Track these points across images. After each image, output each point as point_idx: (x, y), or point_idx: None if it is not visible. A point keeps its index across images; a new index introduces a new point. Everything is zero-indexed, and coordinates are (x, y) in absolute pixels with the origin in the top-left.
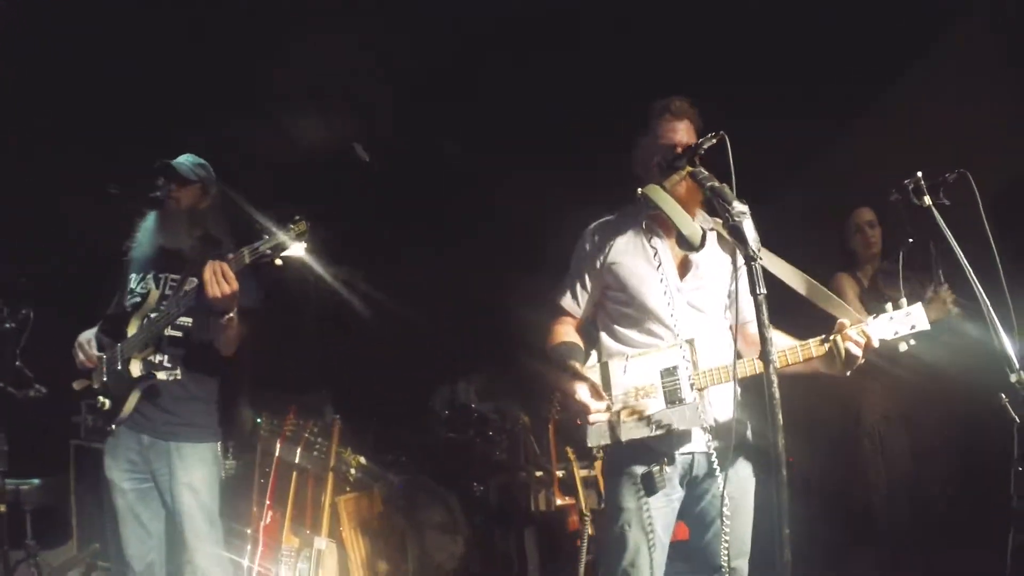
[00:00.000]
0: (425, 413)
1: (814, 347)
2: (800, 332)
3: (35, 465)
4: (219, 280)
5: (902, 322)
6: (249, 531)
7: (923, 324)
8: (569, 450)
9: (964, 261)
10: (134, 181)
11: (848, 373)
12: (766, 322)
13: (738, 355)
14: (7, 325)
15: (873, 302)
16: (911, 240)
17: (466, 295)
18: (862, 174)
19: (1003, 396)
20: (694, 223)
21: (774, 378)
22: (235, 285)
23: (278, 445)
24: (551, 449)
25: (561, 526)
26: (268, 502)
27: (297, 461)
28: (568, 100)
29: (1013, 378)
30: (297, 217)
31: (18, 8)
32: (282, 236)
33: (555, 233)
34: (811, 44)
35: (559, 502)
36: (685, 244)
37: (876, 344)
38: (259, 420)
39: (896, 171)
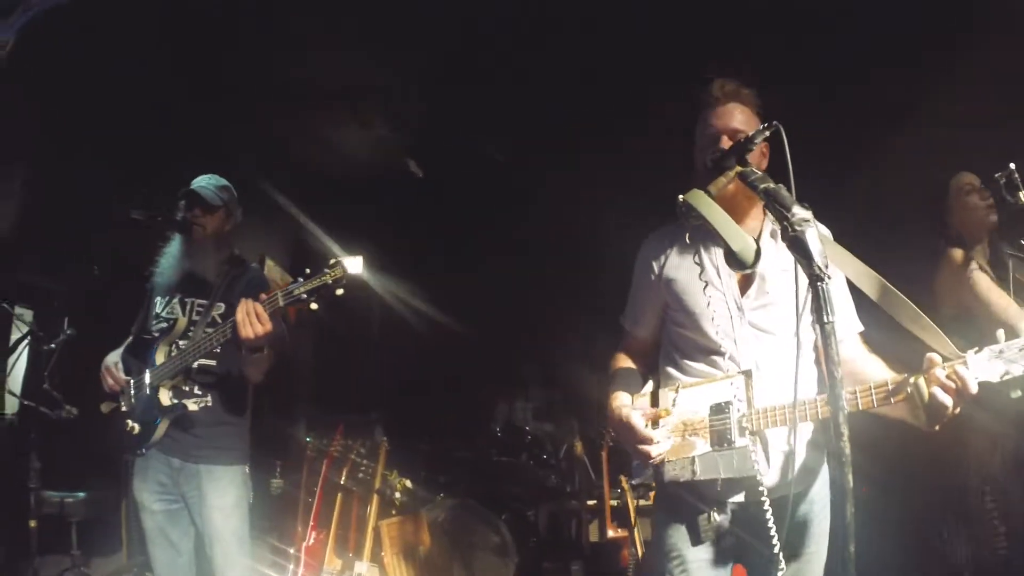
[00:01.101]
0: (478, 434)
1: (892, 391)
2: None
3: (91, 479)
4: (252, 321)
5: (1015, 359)
6: (292, 550)
7: None
8: (623, 478)
9: None
10: (161, 205)
11: (936, 428)
12: (835, 358)
13: (821, 386)
14: (46, 347)
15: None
16: None
17: (524, 314)
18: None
19: None
20: (745, 236)
21: (844, 430)
22: (269, 326)
23: (324, 465)
24: (604, 476)
25: (612, 560)
26: (312, 522)
27: (343, 482)
28: (635, 105)
29: None
30: (333, 261)
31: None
32: (316, 282)
33: (618, 249)
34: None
35: (611, 533)
36: (735, 263)
37: (974, 389)
38: (308, 439)
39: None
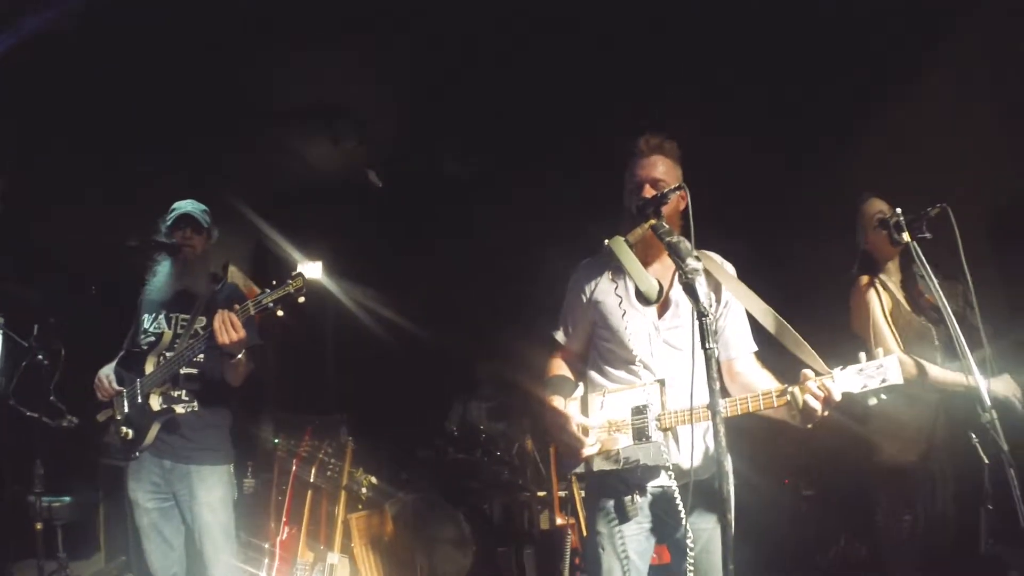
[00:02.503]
0: (437, 433)
1: (775, 397)
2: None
3: (67, 483)
4: (228, 329)
5: (872, 375)
6: (267, 545)
7: (895, 378)
8: None
9: (943, 300)
10: (151, 229)
11: (808, 426)
12: (714, 375)
13: (724, 392)
14: (43, 360)
15: (918, 318)
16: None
17: (478, 318)
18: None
19: (973, 436)
20: (651, 278)
21: (721, 428)
22: (242, 333)
23: (294, 465)
24: (552, 470)
25: (561, 545)
26: (285, 518)
27: (312, 480)
28: (587, 123)
29: (985, 418)
30: (295, 272)
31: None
32: (281, 292)
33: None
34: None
35: (559, 521)
36: (642, 299)
37: (838, 398)
38: (276, 441)
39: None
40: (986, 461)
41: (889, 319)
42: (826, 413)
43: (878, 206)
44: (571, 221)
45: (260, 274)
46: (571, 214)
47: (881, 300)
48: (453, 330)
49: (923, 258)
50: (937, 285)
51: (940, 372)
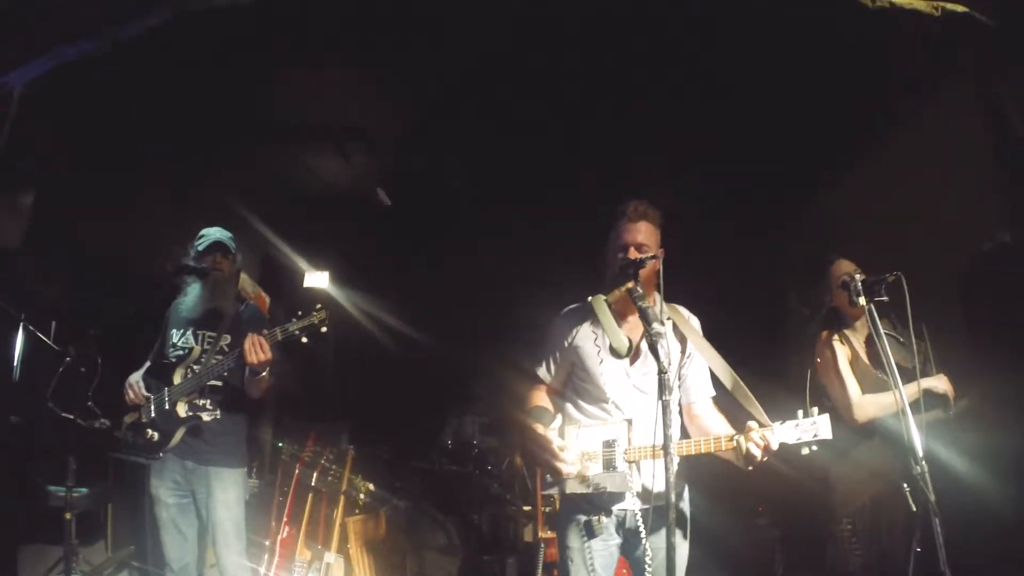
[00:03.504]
0: (432, 445)
1: (724, 442)
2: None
3: (80, 475)
4: (257, 351)
5: (807, 430)
6: (267, 543)
7: (826, 434)
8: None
9: (890, 358)
10: (180, 254)
11: (749, 468)
12: (669, 422)
13: (684, 432)
14: (72, 363)
15: (876, 371)
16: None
17: (477, 334)
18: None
19: (905, 486)
20: (623, 336)
21: (674, 466)
22: (270, 355)
23: (297, 468)
24: (538, 486)
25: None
26: (285, 518)
27: (313, 483)
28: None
29: (916, 470)
30: (319, 306)
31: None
32: (306, 322)
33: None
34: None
35: (542, 534)
36: (614, 353)
37: (775, 447)
38: (280, 444)
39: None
40: (914, 509)
41: (845, 370)
42: (765, 459)
43: (845, 268)
44: (572, 240)
45: (268, 282)
46: (572, 233)
47: (836, 352)
48: (453, 344)
49: (877, 320)
50: (886, 344)
51: (873, 399)
